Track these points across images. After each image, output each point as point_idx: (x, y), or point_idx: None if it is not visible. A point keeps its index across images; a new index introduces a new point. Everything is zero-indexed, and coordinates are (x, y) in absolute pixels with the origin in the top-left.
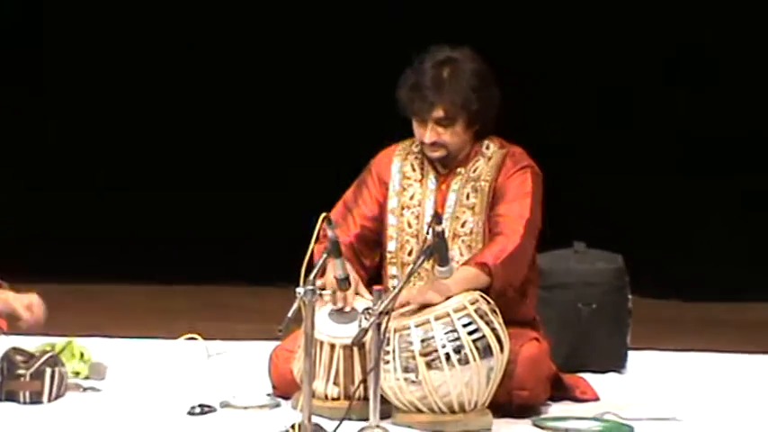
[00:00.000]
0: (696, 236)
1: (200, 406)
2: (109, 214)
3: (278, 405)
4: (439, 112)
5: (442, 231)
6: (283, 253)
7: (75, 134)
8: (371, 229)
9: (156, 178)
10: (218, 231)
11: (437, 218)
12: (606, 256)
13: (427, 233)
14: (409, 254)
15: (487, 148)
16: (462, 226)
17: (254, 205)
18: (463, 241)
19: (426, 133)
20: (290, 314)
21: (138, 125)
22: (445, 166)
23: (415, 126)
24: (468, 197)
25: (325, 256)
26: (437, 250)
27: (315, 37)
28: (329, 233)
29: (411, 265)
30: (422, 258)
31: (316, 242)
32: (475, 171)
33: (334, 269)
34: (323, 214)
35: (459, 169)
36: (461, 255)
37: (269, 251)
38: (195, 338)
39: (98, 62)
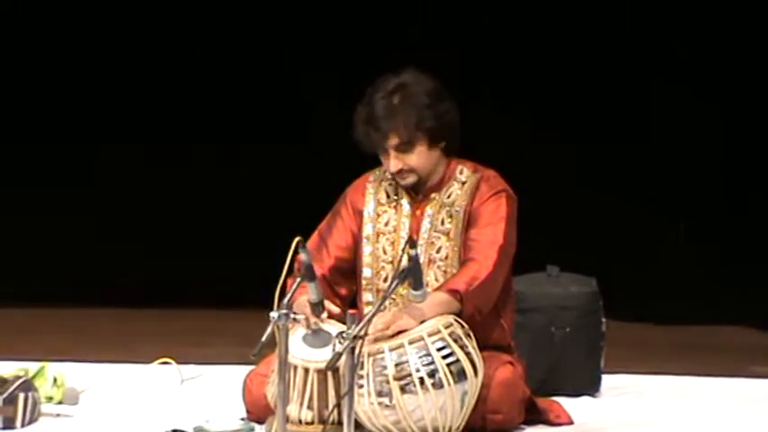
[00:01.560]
0: (670, 259)
1: (173, 431)
2: (78, 237)
3: (252, 429)
4: (394, 140)
5: (416, 255)
6: (257, 276)
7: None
8: (346, 259)
9: (123, 206)
10: (192, 252)
11: (411, 242)
12: (580, 279)
13: (401, 258)
14: (384, 280)
15: (461, 172)
16: (437, 252)
17: (227, 226)
18: (438, 267)
19: (390, 162)
20: (263, 338)
21: (100, 142)
22: (418, 192)
23: (382, 159)
24: (442, 222)
25: (298, 280)
26: (411, 274)
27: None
28: (303, 257)
29: (385, 289)
30: (396, 282)
31: (290, 267)
32: (449, 197)
33: (308, 293)
34: (296, 239)
35: (433, 195)
36: (436, 280)
37: (242, 273)
38: (169, 363)
39: None
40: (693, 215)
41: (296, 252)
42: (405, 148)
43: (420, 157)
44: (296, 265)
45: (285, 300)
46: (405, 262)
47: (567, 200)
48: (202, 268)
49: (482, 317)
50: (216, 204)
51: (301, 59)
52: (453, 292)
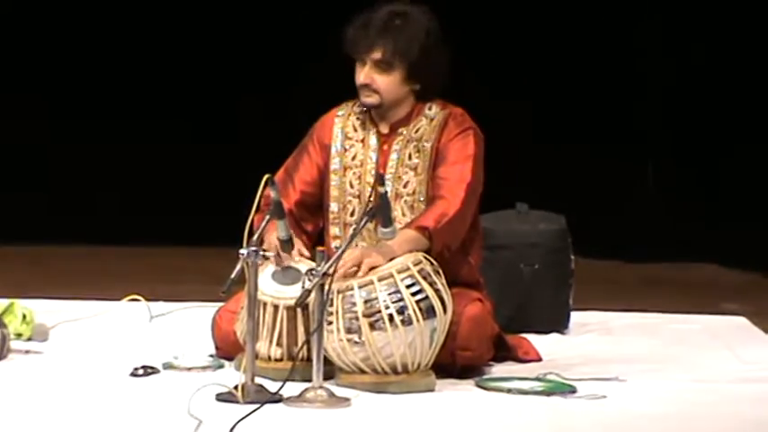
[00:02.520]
0: (637, 196)
1: (143, 367)
2: (52, 176)
3: (221, 366)
4: (377, 54)
5: (385, 193)
6: (226, 213)
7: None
8: (312, 194)
9: (102, 136)
10: (161, 190)
11: (380, 179)
12: (549, 216)
13: (370, 195)
14: (351, 214)
15: (430, 108)
16: (404, 186)
17: (196, 163)
18: (405, 201)
19: (362, 73)
20: (233, 275)
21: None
22: (382, 117)
23: (356, 69)
24: (410, 157)
25: (267, 217)
26: (380, 211)
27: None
28: (272, 194)
29: (354, 226)
30: (365, 219)
31: (258, 204)
32: (417, 131)
33: (277, 230)
34: (266, 176)
35: (400, 129)
36: (403, 215)
37: (211, 210)
38: (138, 300)
39: None
40: (662, 156)
41: (264, 189)
42: (383, 67)
43: (390, 84)
44: (263, 202)
45: (254, 236)
46: (373, 200)
47: (536, 144)
48: (171, 205)
49: (450, 254)
50: (187, 143)
51: None
52: (422, 230)
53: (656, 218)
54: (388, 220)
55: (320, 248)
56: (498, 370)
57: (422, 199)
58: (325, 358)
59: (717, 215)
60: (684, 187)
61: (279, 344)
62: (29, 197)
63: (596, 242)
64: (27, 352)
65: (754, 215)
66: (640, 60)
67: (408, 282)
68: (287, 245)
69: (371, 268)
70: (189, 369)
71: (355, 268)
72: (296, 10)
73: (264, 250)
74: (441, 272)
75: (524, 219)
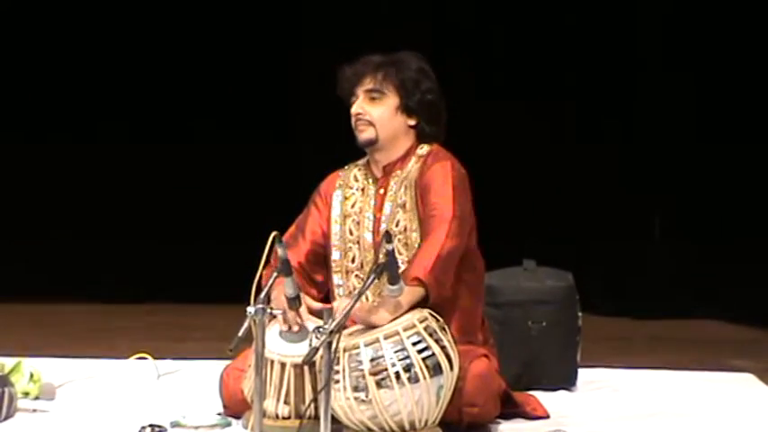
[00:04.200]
0: (646, 254)
1: (150, 426)
2: (53, 234)
3: (229, 424)
4: (369, 84)
5: (393, 250)
6: (234, 270)
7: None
8: (321, 245)
9: (99, 201)
10: (169, 247)
11: (387, 236)
12: (556, 273)
13: (379, 252)
14: (352, 261)
15: (421, 149)
16: (396, 225)
17: (204, 221)
18: (399, 240)
19: (355, 105)
20: (240, 333)
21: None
22: (379, 158)
23: (351, 105)
24: (400, 196)
25: (275, 275)
26: (387, 269)
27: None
28: (279, 252)
29: (361, 285)
30: (372, 277)
31: (266, 261)
32: (408, 172)
33: (285, 288)
34: (273, 233)
35: (395, 172)
36: (399, 253)
37: (219, 268)
38: (145, 358)
39: None
40: (669, 210)
41: (272, 247)
42: (375, 95)
43: (384, 114)
44: (272, 260)
45: (262, 294)
46: (381, 257)
47: (544, 195)
48: (179, 263)
49: (449, 289)
50: (193, 199)
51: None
52: (415, 281)
53: (663, 272)
54: (395, 278)
55: (327, 306)
56: (506, 427)
57: (414, 236)
58: (333, 416)
59: (723, 270)
60: (691, 241)
61: (286, 402)
62: (38, 255)
63: (603, 298)
64: (34, 411)
65: (759, 271)
66: (645, 110)
67: (414, 339)
68: (294, 302)
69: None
70: (196, 428)
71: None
72: None
73: (272, 308)
74: (447, 328)
75: (532, 276)
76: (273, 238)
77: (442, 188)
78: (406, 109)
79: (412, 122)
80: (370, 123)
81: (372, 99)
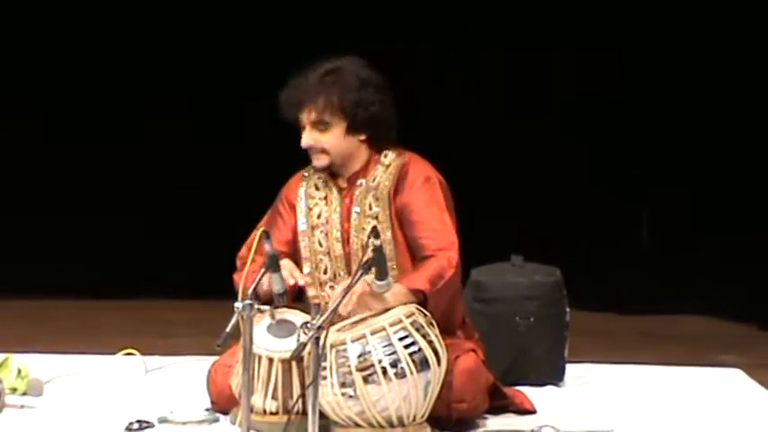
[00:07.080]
0: (633, 249)
1: (138, 422)
2: (44, 231)
3: (216, 420)
4: (312, 115)
5: (380, 246)
6: (222, 266)
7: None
8: (287, 253)
9: (87, 197)
10: (156, 242)
11: (375, 232)
12: (544, 269)
13: (366, 247)
14: (324, 272)
15: (385, 156)
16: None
17: (190, 215)
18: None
19: (305, 136)
20: (228, 329)
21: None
22: (335, 174)
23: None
24: (370, 207)
25: (263, 270)
26: (376, 264)
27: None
28: (266, 248)
29: (349, 280)
30: (360, 272)
31: (252, 257)
32: (374, 180)
33: (272, 284)
34: (260, 229)
35: (359, 181)
36: None
37: (207, 263)
38: (133, 354)
39: None
40: (657, 205)
41: (259, 242)
42: (321, 127)
43: (335, 141)
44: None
45: (249, 290)
46: (369, 253)
47: (530, 190)
48: (167, 259)
49: (441, 315)
50: (180, 196)
51: None
52: (417, 292)
53: (651, 267)
54: (383, 273)
55: (315, 301)
56: (494, 423)
57: (390, 247)
58: (321, 412)
59: (711, 266)
60: (679, 236)
61: (274, 397)
62: (25, 250)
63: (591, 293)
64: (22, 407)
65: (747, 267)
66: (637, 116)
67: (401, 334)
68: (281, 298)
69: (362, 320)
70: (184, 423)
71: (348, 321)
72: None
73: (260, 303)
74: (434, 323)
75: (519, 271)
76: (260, 233)
77: (437, 210)
78: (353, 130)
79: (362, 137)
80: (323, 151)
81: (320, 130)
